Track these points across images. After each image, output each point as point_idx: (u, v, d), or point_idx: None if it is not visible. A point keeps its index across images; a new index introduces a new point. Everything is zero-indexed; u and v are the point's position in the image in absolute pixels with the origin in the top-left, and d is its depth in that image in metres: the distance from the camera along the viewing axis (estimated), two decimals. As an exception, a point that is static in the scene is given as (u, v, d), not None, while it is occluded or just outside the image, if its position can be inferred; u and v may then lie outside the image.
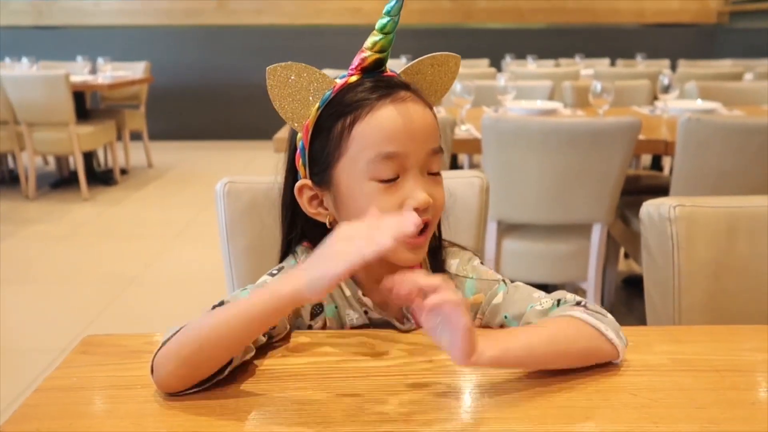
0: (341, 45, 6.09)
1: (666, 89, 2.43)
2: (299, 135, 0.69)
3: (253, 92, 5.97)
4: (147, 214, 3.74)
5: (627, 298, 2.47)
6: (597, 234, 1.88)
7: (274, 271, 0.72)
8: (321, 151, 0.67)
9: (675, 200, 0.84)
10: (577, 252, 1.91)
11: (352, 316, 0.73)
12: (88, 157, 4.19)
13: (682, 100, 2.68)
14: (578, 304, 0.66)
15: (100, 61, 4.34)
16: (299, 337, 0.69)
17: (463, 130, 2.09)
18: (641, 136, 1.78)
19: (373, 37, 0.64)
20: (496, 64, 4.86)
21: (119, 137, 4.42)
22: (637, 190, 2.31)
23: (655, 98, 2.78)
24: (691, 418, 0.53)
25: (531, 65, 4.55)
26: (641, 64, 4.67)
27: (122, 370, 0.62)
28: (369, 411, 0.55)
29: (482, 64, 4.70)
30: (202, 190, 4.22)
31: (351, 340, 0.69)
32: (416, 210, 0.63)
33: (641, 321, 0.67)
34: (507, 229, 1.92)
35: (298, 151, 0.69)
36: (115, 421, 0.54)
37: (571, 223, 1.88)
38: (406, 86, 0.67)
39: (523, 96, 2.80)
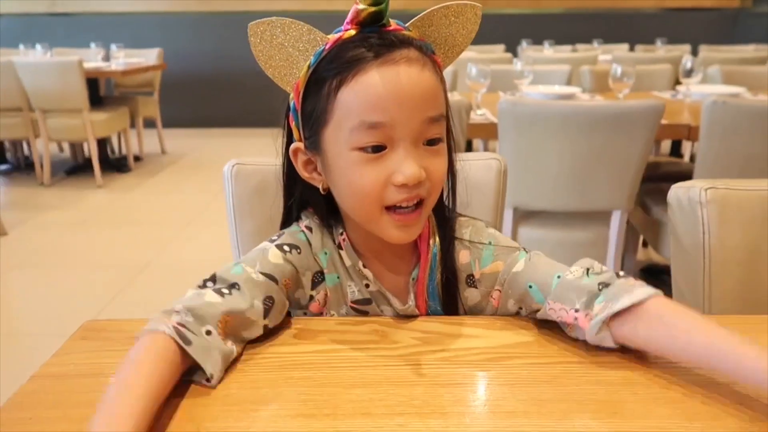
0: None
1: (688, 73, 2.36)
2: (291, 95, 0.64)
3: (267, 80, 5.93)
4: (161, 200, 3.73)
5: (646, 288, 2.42)
6: (616, 221, 1.83)
7: (275, 238, 0.69)
8: (310, 114, 0.62)
9: (706, 182, 0.79)
10: (596, 240, 1.86)
11: (354, 288, 0.69)
12: (102, 143, 4.19)
13: (705, 85, 2.60)
14: (617, 275, 0.60)
15: (113, 47, 4.33)
16: (307, 324, 0.66)
17: (479, 115, 2.04)
18: (663, 121, 1.72)
19: None
20: (512, 49, 4.77)
21: (133, 124, 4.41)
22: (658, 176, 2.25)
23: (677, 83, 2.70)
24: (729, 414, 0.49)
25: (548, 51, 4.46)
26: (661, 49, 4.56)
27: (122, 356, 0.59)
28: (380, 403, 0.52)
29: (498, 50, 4.61)
30: (216, 177, 4.17)
31: (362, 327, 0.65)
32: (405, 185, 0.58)
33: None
34: (524, 216, 1.87)
35: (291, 113, 0.65)
36: (112, 410, 0.51)
37: (590, 210, 1.83)
38: (408, 43, 0.60)
39: (540, 81, 2.74)
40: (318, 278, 0.69)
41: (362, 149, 0.59)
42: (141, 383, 0.49)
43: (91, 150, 3.87)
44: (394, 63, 0.58)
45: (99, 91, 4.23)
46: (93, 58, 4.37)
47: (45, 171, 3.92)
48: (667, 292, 0.91)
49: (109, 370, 0.57)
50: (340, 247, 0.69)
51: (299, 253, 0.68)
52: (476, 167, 0.95)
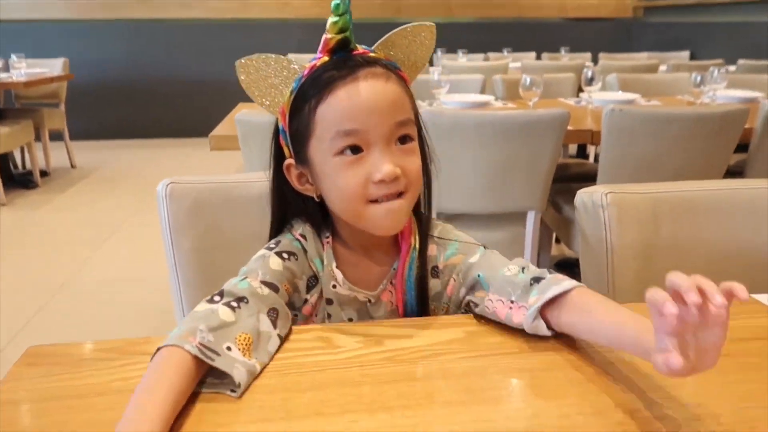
0: (270, 39, 6.01)
1: (590, 82, 2.56)
2: (279, 119, 0.72)
3: (181, 88, 5.80)
4: (73, 218, 3.56)
5: (560, 282, 2.59)
6: (531, 221, 1.96)
7: (272, 246, 0.75)
8: (296, 132, 0.70)
9: (606, 188, 0.89)
10: (514, 239, 1.99)
11: (327, 288, 0.76)
12: (4, 158, 3.95)
13: (605, 92, 2.83)
14: (551, 272, 0.70)
15: (13, 57, 4.09)
16: (254, 336, 0.70)
17: (401, 124, 2.12)
18: (569, 127, 1.87)
19: (331, 19, 0.67)
20: (428, 57, 4.92)
21: (38, 137, 4.18)
22: (566, 177, 2.42)
23: (580, 90, 2.91)
24: (630, 389, 0.58)
25: (462, 59, 4.65)
26: (565, 57, 4.87)
27: (74, 379, 0.60)
28: (331, 403, 0.57)
29: (414, 58, 4.74)
30: (132, 191, 4.07)
31: (307, 335, 0.69)
32: (383, 181, 0.66)
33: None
34: (446, 219, 1.96)
35: (281, 133, 0.73)
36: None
37: (507, 212, 1.95)
38: (373, 63, 0.68)
39: (456, 90, 2.87)
40: (312, 282, 0.76)
41: (342, 153, 0.67)
42: (163, 390, 0.53)
43: (-7, 166, 3.64)
44: (363, 78, 0.67)
45: (-2, 104, 3.99)
46: (-9, 69, 4.11)
47: (-60, 190, 3.64)
48: (578, 284, 1.01)
49: (62, 393, 0.58)
50: (323, 248, 0.76)
51: (296, 259, 0.74)
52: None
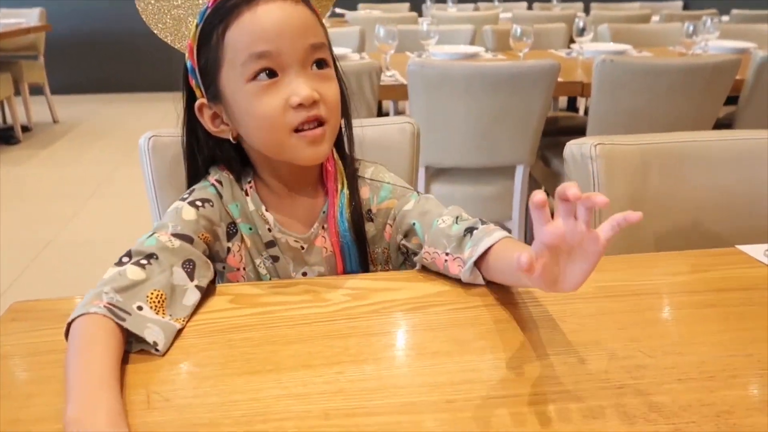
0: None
1: (581, 32, 2.51)
2: (187, 56, 0.69)
3: (164, 41, 5.63)
4: (57, 173, 3.51)
5: (548, 235, 2.61)
6: (520, 175, 1.96)
7: (186, 195, 0.73)
8: (205, 66, 0.67)
9: (595, 139, 0.88)
10: (502, 193, 1.98)
11: (263, 232, 0.75)
12: (-17, 114, 3.85)
13: (596, 43, 2.78)
14: (482, 223, 0.70)
15: (-14, 7, 3.94)
16: (241, 289, 0.69)
17: (389, 77, 2.08)
18: (560, 79, 1.84)
19: None
20: (417, 8, 4.81)
21: (17, 91, 4.07)
22: (556, 131, 2.40)
23: (571, 41, 2.86)
24: (614, 338, 0.58)
25: (451, 9, 4.54)
26: (557, 7, 4.77)
27: (58, 334, 0.59)
28: (318, 355, 0.57)
29: (403, 8, 4.64)
30: (116, 145, 4.00)
31: (294, 289, 0.69)
32: (301, 106, 0.64)
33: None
34: (435, 173, 1.96)
35: (190, 73, 0.70)
36: (59, 385, 0.52)
37: (496, 166, 1.94)
38: None
39: (445, 41, 2.81)
40: (232, 230, 0.74)
41: (255, 78, 0.65)
42: (99, 362, 0.51)
43: (-28, 121, 3.55)
44: (271, 1, 0.64)
45: (-26, 56, 3.87)
46: (-37, 19, 3.96)
47: None
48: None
49: (46, 348, 0.58)
50: (246, 194, 0.74)
51: (212, 206, 0.72)
52: (391, 130, 0.99)
